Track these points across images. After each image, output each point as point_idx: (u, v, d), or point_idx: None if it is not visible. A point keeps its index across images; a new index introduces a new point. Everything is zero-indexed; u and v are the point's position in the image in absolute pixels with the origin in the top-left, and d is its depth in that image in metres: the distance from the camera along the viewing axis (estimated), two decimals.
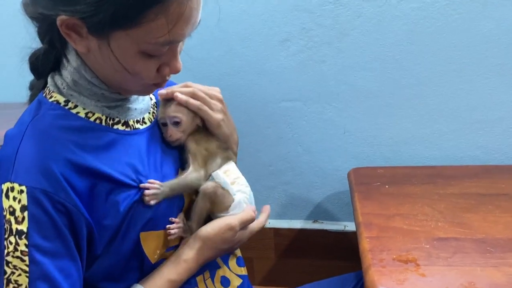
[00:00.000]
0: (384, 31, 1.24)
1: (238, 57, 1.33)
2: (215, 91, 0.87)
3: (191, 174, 0.80)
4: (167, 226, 0.77)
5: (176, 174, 0.82)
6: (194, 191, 0.82)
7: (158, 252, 0.78)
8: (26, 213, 0.64)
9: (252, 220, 0.85)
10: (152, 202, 0.74)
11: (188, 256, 0.78)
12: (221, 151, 0.86)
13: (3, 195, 0.65)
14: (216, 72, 1.35)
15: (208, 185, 0.81)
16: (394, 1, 1.20)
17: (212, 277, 0.85)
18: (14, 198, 0.64)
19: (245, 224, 0.83)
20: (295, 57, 1.30)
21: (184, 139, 0.83)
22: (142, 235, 0.75)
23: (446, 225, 0.89)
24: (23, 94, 1.43)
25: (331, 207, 1.41)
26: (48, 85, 0.76)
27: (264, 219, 0.90)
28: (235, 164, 0.88)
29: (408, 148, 1.31)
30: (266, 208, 0.93)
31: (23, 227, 0.64)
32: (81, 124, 0.73)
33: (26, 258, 0.64)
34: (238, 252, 0.94)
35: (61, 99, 0.74)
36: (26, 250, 0.64)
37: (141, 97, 0.83)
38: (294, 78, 1.31)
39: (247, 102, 1.36)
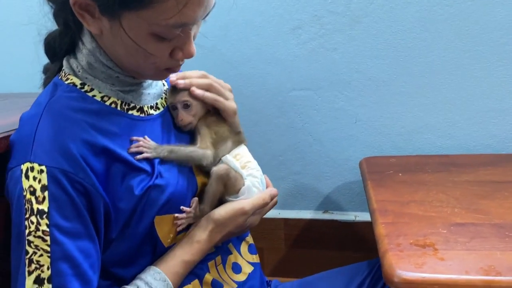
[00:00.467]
0: (397, 18, 1.22)
1: (249, 45, 1.32)
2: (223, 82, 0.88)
3: (194, 148, 0.80)
4: (175, 215, 0.77)
5: None
6: (205, 173, 0.82)
7: (171, 236, 0.78)
8: (46, 193, 0.64)
9: (264, 205, 0.84)
10: (139, 156, 0.72)
11: (201, 237, 0.78)
12: (232, 135, 0.86)
13: (23, 175, 0.64)
14: (227, 61, 1.34)
15: (220, 167, 0.80)
16: None
17: (224, 263, 0.85)
18: (34, 178, 0.64)
19: (257, 209, 0.83)
20: (306, 45, 1.29)
21: (195, 123, 0.83)
22: (157, 219, 0.75)
23: (462, 211, 0.88)
24: (31, 85, 1.44)
25: (341, 197, 1.40)
26: (63, 68, 0.76)
27: (275, 200, 0.89)
28: (246, 148, 0.87)
29: (420, 137, 1.29)
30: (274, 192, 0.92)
31: (44, 206, 0.64)
32: (97, 107, 0.72)
33: (48, 238, 0.64)
34: (250, 240, 0.94)
35: (77, 82, 0.74)
36: (48, 230, 0.64)
37: (154, 83, 0.83)
38: (305, 67, 1.30)
39: (257, 91, 1.35)
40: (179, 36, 0.68)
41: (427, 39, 1.22)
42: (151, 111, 0.80)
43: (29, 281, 0.63)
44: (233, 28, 1.31)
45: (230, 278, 0.85)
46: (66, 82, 0.74)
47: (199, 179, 0.81)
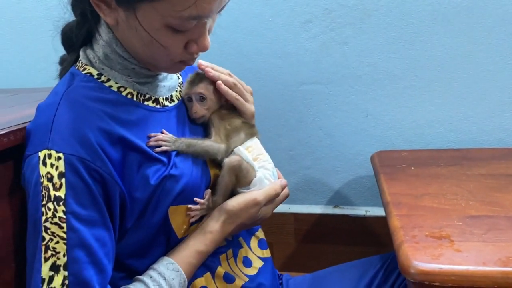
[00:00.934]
0: (408, 12, 1.22)
1: (259, 39, 1.31)
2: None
3: (210, 142, 0.80)
4: (188, 206, 0.77)
5: None
6: (217, 165, 0.82)
7: (184, 227, 0.78)
8: (63, 180, 0.64)
9: (276, 195, 0.84)
10: (158, 149, 0.73)
11: (214, 228, 0.78)
12: (246, 127, 0.86)
13: (40, 162, 0.65)
14: (237, 55, 1.34)
15: (233, 158, 0.80)
16: None
17: (235, 257, 0.85)
18: (52, 165, 0.64)
19: (269, 200, 0.83)
20: (317, 38, 1.28)
21: (208, 116, 0.83)
22: (171, 209, 0.75)
23: (477, 204, 0.87)
24: (41, 80, 1.44)
25: (352, 192, 1.39)
26: (80, 59, 0.76)
27: (286, 191, 0.89)
28: (259, 141, 0.88)
29: (432, 131, 1.29)
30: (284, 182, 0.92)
31: (61, 193, 0.64)
32: (114, 97, 0.73)
33: (64, 225, 0.64)
34: (261, 234, 0.94)
35: (94, 72, 0.74)
36: (64, 216, 0.64)
37: (169, 75, 0.84)
38: (316, 60, 1.30)
39: (267, 85, 1.35)
40: (194, 29, 0.68)
41: (439, 32, 1.22)
42: (166, 103, 0.80)
43: (45, 268, 0.64)
44: (244, 21, 1.31)
45: (242, 272, 0.85)
46: (83, 72, 0.74)
47: (212, 171, 0.81)
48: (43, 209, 0.64)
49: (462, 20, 1.19)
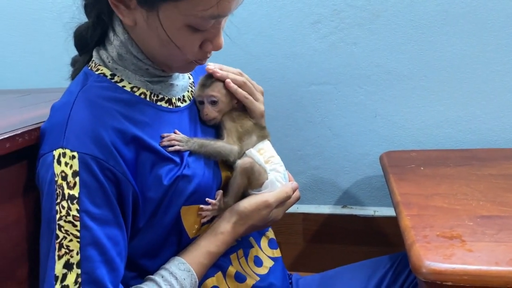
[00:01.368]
0: (417, 12, 1.22)
1: (268, 39, 1.32)
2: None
3: (222, 143, 0.81)
4: (200, 206, 0.77)
5: None
6: (229, 167, 0.82)
7: (196, 227, 0.78)
8: (77, 179, 0.65)
9: (288, 198, 0.85)
10: (171, 149, 0.74)
11: (225, 228, 0.78)
12: (257, 129, 0.87)
13: (55, 160, 0.65)
14: (245, 55, 1.34)
15: (245, 160, 0.81)
16: None
17: (246, 256, 0.85)
18: (66, 164, 0.65)
19: (280, 202, 0.83)
20: (325, 39, 1.28)
21: (219, 119, 0.84)
22: (183, 209, 0.76)
23: (488, 204, 0.87)
24: (51, 81, 1.45)
25: (360, 192, 1.39)
26: (93, 59, 0.77)
27: (297, 194, 0.90)
28: (270, 143, 0.88)
29: (440, 132, 1.29)
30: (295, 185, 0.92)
31: (75, 192, 0.65)
32: (127, 97, 0.73)
33: (78, 223, 0.64)
34: (271, 234, 0.94)
35: (108, 72, 0.75)
36: (78, 215, 0.64)
37: (181, 75, 0.84)
38: (325, 61, 1.30)
39: (276, 86, 1.35)
40: (211, 28, 0.69)
41: (448, 32, 1.21)
42: (179, 103, 0.81)
43: (58, 265, 0.64)
44: (252, 22, 1.31)
45: (253, 271, 0.85)
46: (97, 73, 0.75)
47: (223, 173, 0.82)
48: (57, 207, 0.65)
49: (471, 20, 1.19)
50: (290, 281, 1.01)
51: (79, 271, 0.64)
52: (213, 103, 0.82)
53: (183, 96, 0.83)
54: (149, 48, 0.73)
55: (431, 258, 0.69)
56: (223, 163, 0.82)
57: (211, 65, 0.83)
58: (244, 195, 0.82)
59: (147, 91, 0.76)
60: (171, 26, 0.67)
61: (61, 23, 1.42)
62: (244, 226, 0.80)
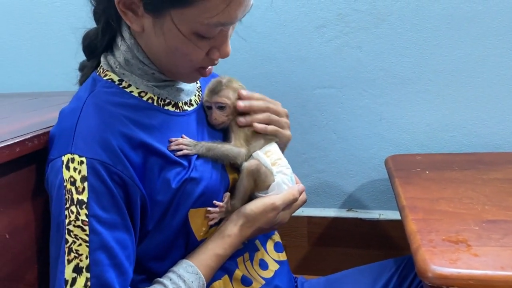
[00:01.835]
0: (422, 16, 1.22)
1: (273, 43, 1.33)
2: (280, 105, 0.89)
3: (230, 146, 0.81)
4: (208, 209, 0.78)
5: None
6: (236, 169, 0.83)
7: (203, 229, 0.79)
8: (86, 184, 0.65)
9: (294, 200, 0.85)
10: (180, 153, 0.74)
11: (232, 231, 0.79)
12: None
13: (64, 166, 0.66)
14: (251, 59, 1.35)
15: (251, 163, 0.81)
16: None
17: (251, 259, 0.86)
18: (75, 169, 0.66)
19: (287, 204, 0.83)
20: (330, 43, 1.29)
21: (227, 123, 0.84)
22: (191, 212, 0.76)
23: (493, 208, 0.87)
24: (57, 84, 1.47)
25: (365, 195, 1.40)
26: (101, 65, 0.78)
27: (304, 197, 0.90)
28: (277, 146, 0.88)
29: (446, 135, 1.29)
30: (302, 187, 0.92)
31: (84, 197, 0.65)
32: (135, 102, 0.74)
33: (87, 228, 0.65)
34: (277, 237, 0.94)
35: (115, 78, 0.75)
36: (87, 220, 0.65)
37: None
38: (330, 65, 1.31)
39: (281, 89, 1.36)
40: (218, 36, 0.69)
41: (453, 36, 1.22)
42: (185, 107, 0.81)
43: (68, 270, 0.65)
44: (258, 26, 1.32)
45: (258, 274, 0.85)
46: (105, 78, 0.76)
47: (231, 175, 0.82)
48: (66, 212, 0.66)
49: (476, 24, 1.19)
50: (295, 284, 1.02)
51: (88, 275, 0.65)
52: (221, 108, 0.83)
53: (190, 100, 0.83)
54: (156, 54, 0.74)
55: (437, 263, 0.69)
56: (230, 166, 0.82)
57: (244, 94, 0.83)
58: (251, 197, 0.83)
59: (154, 95, 0.77)
60: (178, 33, 0.67)
61: (69, 28, 1.44)
62: (251, 229, 0.80)
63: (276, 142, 0.88)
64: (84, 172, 0.66)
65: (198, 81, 0.90)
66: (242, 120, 0.83)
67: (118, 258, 0.67)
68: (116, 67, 0.76)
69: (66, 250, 0.65)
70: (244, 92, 0.84)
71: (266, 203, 0.81)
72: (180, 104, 0.80)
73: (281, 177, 0.84)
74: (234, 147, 0.81)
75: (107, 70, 0.76)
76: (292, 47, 1.32)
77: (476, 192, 0.95)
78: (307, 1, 1.27)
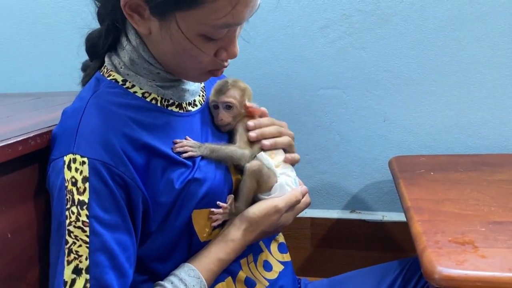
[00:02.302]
0: (427, 17, 1.22)
1: (277, 44, 1.32)
2: (287, 126, 0.90)
3: (234, 147, 0.81)
4: (211, 210, 0.77)
5: None
6: (239, 171, 0.82)
7: (207, 230, 0.78)
8: (87, 184, 0.65)
9: (297, 202, 0.84)
10: (185, 155, 0.74)
11: (235, 236, 0.78)
12: None
13: (65, 166, 0.66)
14: (254, 60, 1.34)
15: (253, 163, 0.81)
16: None
17: (255, 261, 0.85)
18: (76, 169, 0.65)
19: (290, 206, 0.83)
20: (334, 43, 1.28)
21: (233, 124, 0.84)
22: (195, 213, 0.76)
23: (500, 210, 0.86)
24: (59, 84, 1.46)
25: (369, 197, 1.39)
26: (105, 64, 0.77)
27: (308, 199, 0.89)
28: (282, 149, 0.88)
29: (450, 137, 1.28)
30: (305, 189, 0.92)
31: (85, 197, 0.65)
32: (138, 103, 0.74)
33: (87, 228, 0.64)
34: (281, 238, 0.94)
35: (119, 78, 0.75)
36: (87, 220, 0.64)
37: None
38: (333, 65, 1.30)
39: (284, 90, 1.35)
40: (225, 37, 0.69)
41: (458, 37, 1.21)
42: (189, 108, 0.81)
43: (67, 271, 0.64)
44: (262, 27, 1.31)
45: (262, 276, 0.85)
46: (108, 78, 0.75)
47: (234, 177, 0.82)
48: (67, 212, 0.65)
49: (481, 25, 1.19)
50: (299, 286, 1.01)
51: (87, 276, 0.64)
52: (228, 108, 0.82)
53: (194, 101, 0.83)
54: (163, 56, 0.73)
55: (444, 264, 0.69)
56: (234, 167, 0.82)
57: (252, 134, 0.83)
58: (254, 199, 0.82)
59: (158, 96, 0.76)
60: (185, 35, 0.67)
61: (71, 28, 1.44)
62: (255, 233, 0.79)
63: None
64: (86, 172, 0.65)
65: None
66: (252, 135, 0.83)
67: (118, 260, 0.66)
68: (121, 67, 0.75)
69: (66, 251, 0.65)
70: (251, 123, 0.83)
71: (269, 206, 0.80)
72: (184, 105, 0.80)
73: (284, 178, 0.83)
74: (238, 149, 0.80)
75: (111, 70, 0.76)
76: (295, 48, 1.31)
77: (482, 194, 0.94)
78: (310, 1, 1.27)
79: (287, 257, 0.91)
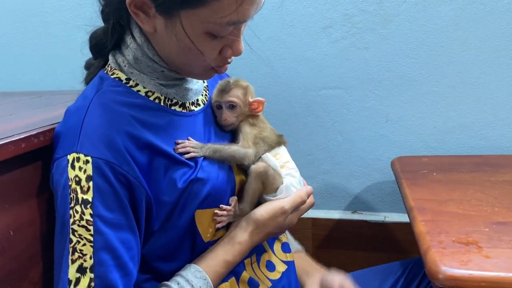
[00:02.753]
0: (430, 17, 1.22)
1: (279, 44, 1.32)
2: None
3: (237, 147, 0.80)
4: (215, 211, 0.77)
5: None
6: (242, 170, 0.82)
7: (210, 230, 0.78)
8: (91, 183, 0.65)
9: (302, 202, 0.84)
10: (187, 156, 0.74)
11: (242, 238, 0.78)
12: (274, 135, 0.87)
13: (69, 165, 0.65)
14: (257, 60, 1.34)
15: (259, 165, 0.80)
16: None
17: (258, 261, 0.85)
18: (80, 168, 0.65)
19: (296, 207, 0.83)
20: (337, 43, 1.28)
21: (237, 124, 0.84)
22: (197, 213, 0.75)
23: (503, 210, 0.86)
24: (64, 83, 1.46)
25: (371, 197, 1.38)
26: (109, 63, 0.77)
27: (312, 199, 0.89)
28: (286, 149, 0.88)
29: (452, 137, 1.28)
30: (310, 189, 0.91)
31: (88, 196, 0.64)
32: (141, 102, 0.73)
33: (91, 227, 0.64)
34: (284, 238, 0.93)
35: (123, 77, 0.75)
36: (91, 219, 0.64)
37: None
38: (336, 65, 1.30)
39: (287, 90, 1.35)
40: (230, 34, 0.69)
41: (461, 38, 1.21)
42: (192, 107, 0.80)
43: (72, 269, 0.64)
44: (264, 27, 1.31)
45: (265, 276, 0.84)
46: (112, 77, 0.75)
47: (237, 177, 0.81)
48: (71, 211, 0.65)
49: (484, 26, 1.19)
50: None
51: (92, 275, 0.64)
52: (232, 107, 0.82)
53: (197, 100, 0.82)
54: (168, 54, 0.73)
55: (448, 264, 0.69)
56: (238, 167, 0.82)
57: None
58: (259, 201, 0.82)
59: (161, 95, 0.76)
60: (190, 33, 0.67)
61: (74, 26, 1.43)
62: (261, 235, 0.79)
63: (284, 145, 0.88)
64: (90, 171, 0.65)
65: (205, 81, 0.89)
66: None
67: (122, 259, 0.66)
68: (125, 66, 0.75)
69: (70, 249, 0.64)
70: None
71: (276, 207, 0.80)
72: (187, 105, 0.79)
73: (290, 179, 0.83)
74: (241, 148, 0.80)
75: (114, 69, 0.75)
76: (298, 48, 1.31)
77: (485, 194, 0.94)
78: (313, 1, 1.27)
79: (290, 257, 0.91)
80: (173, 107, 0.77)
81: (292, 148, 1.36)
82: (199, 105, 0.82)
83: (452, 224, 0.82)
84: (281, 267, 0.87)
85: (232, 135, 0.85)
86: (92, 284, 0.64)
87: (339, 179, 1.39)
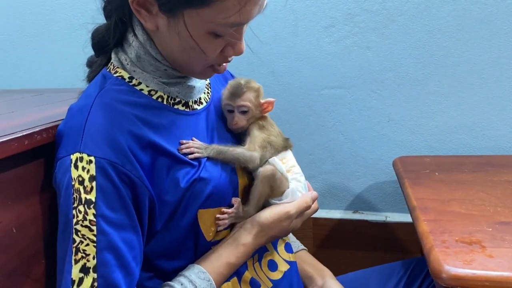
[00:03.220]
0: (432, 17, 1.21)
1: (282, 43, 1.32)
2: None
3: (242, 149, 0.80)
4: (216, 216, 0.77)
5: None
6: (246, 172, 0.82)
7: (213, 229, 0.78)
8: (94, 183, 0.64)
9: (308, 208, 0.84)
10: (191, 156, 0.74)
11: (247, 240, 0.78)
12: (281, 139, 0.87)
13: (72, 165, 0.65)
14: (259, 58, 1.34)
15: (267, 168, 0.80)
16: None
17: (260, 261, 0.85)
18: (83, 168, 0.65)
19: (301, 212, 0.83)
20: (339, 43, 1.28)
21: (246, 127, 0.83)
22: (200, 212, 0.75)
23: (506, 210, 0.86)
24: (65, 81, 1.46)
25: (372, 197, 1.38)
26: (112, 61, 0.77)
27: (316, 205, 0.89)
28: (292, 153, 0.88)
29: (454, 138, 1.28)
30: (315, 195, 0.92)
31: (92, 196, 0.64)
32: (145, 101, 0.73)
33: (94, 228, 0.64)
34: (287, 238, 0.93)
35: (126, 75, 0.74)
36: (94, 220, 0.64)
37: None
38: (338, 65, 1.30)
39: (288, 89, 1.35)
40: (232, 34, 0.69)
41: (463, 38, 1.21)
42: (195, 106, 0.80)
43: (75, 270, 0.64)
44: (266, 26, 1.31)
45: (266, 276, 0.84)
46: (115, 75, 0.74)
47: (240, 178, 0.81)
48: (74, 211, 0.65)
49: (486, 26, 1.19)
50: (303, 286, 1.00)
51: (95, 275, 0.64)
52: (244, 112, 0.82)
53: (200, 98, 0.82)
54: (170, 52, 0.73)
55: (451, 263, 0.68)
56: (241, 169, 0.81)
57: None
58: (264, 205, 0.82)
59: (164, 94, 0.76)
60: (193, 32, 0.66)
61: (75, 24, 1.43)
62: (265, 238, 0.80)
63: (290, 149, 0.88)
64: (93, 171, 0.65)
65: (207, 79, 0.89)
66: None
67: (125, 259, 0.66)
68: (127, 64, 0.75)
69: (74, 249, 0.64)
70: None
71: (281, 211, 0.80)
72: (190, 103, 0.79)
73: (295, 184, 0.83)
74: (246, 151, 0.79)
75: (117, 67, 0.75)
76: (300, 47, 1.31)
77: (488, 194, 0.94)
78: (316, 0, 1.27)
79: (293, 257, 0.91)
80: (176, 106, 0.77)
81: (294, 148, 1.37)
82: (201, 103, 0.82)
83: (455, 224, 0.81)
84: (283, 267, 0.87)
85: (236, 133, 0.85)
86: (95, 284, 0.64)
87: (340, 178, 1.39)
